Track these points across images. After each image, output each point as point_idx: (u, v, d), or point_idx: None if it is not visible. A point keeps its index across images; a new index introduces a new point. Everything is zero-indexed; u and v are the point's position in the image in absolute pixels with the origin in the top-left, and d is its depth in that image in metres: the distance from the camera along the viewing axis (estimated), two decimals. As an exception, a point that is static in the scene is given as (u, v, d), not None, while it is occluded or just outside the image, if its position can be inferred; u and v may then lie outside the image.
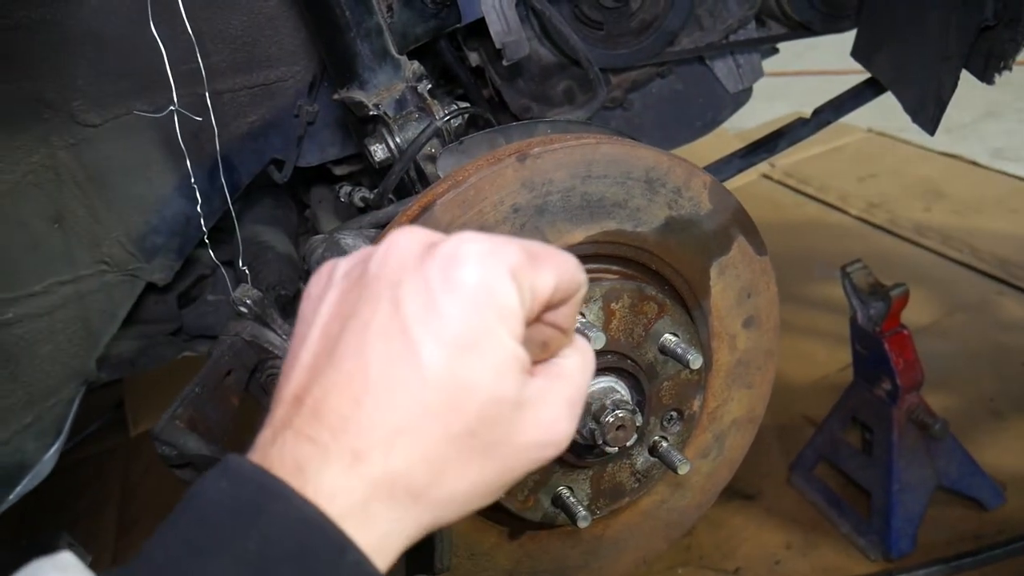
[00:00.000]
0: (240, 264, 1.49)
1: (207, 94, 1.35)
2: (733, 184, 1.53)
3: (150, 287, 1.53)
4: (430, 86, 1.26)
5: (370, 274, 0.60)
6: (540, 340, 0.65)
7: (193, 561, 0.52)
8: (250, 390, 1.34)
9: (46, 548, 1.53)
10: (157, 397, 3.21)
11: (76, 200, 1.41)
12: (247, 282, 1.54)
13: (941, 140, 4.08)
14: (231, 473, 0.56)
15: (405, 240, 0.61)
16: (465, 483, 0.59)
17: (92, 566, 1.53)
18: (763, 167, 4.12)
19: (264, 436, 0.59)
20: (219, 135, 1.41)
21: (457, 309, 0.57)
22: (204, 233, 1.46)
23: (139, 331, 1.69)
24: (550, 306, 0.63)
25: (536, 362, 0.65)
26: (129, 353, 1.69)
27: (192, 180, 1.39)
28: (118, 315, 1.51)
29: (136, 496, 2.77)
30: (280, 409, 0.59)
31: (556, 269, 0.62)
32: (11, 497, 1.43)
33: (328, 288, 0.62)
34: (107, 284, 1.48)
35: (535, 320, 0.63)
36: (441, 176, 1.10)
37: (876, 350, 2.12)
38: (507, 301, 0.58)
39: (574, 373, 0.66)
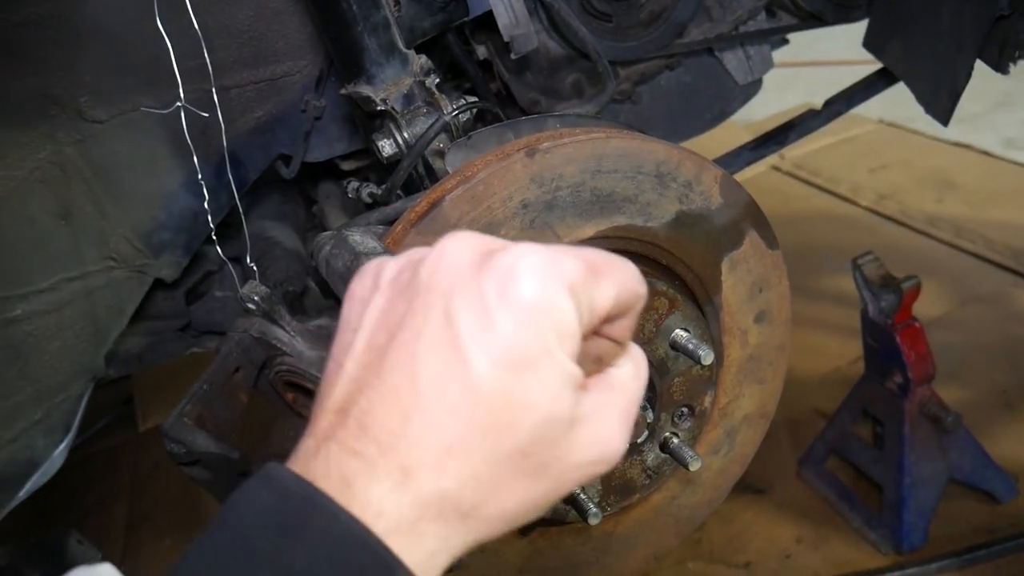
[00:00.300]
0: (248, 260, 1.48)
1: (214, 90, 1.34)
2: (742, 176, 1.52)
3: (158, 283, 1.53)
4: (438, 80, 1.25)
5: (421, 282, 0.57)
6: (596, 354, 0.63)
7: (232, 574, 0.51)
8: (258, 387, 1.34)
9: (55, 546, 1.53)
10: (166, 392, 3.22)
11: (83, 196, 1.40)
12: (255, 278, 1.54)
13: (953, 130, 4.02)
14: (274, 484, 0.54)
15: (459, 247, 0.58)
16: (513, 502, 0.57)
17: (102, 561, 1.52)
18: (773, 159, 4.10)
19: (306, 446, 0.57)
20: (226, 131, 1.40)
21: (512, 325, 0.54)
22: (211, 229, 1.45)
23: (147, 327, 1.68)
24: (608, 319, 0.62)
25: (589, 374, 0.62)
26: (137, 349, 1.69)
27: (199, 176, 1.39)
28: (126, 311, 1.51)
29: (146, 491, 2.78)
30: (324, 420, 0.57)
31: (616, 282, 0.60)
32: (21, 494, 1.43)
33: (374, 293, 0.60)
34: (115, 280, 1.47)
35: (592, 333, 0.62)
36: (450, 171, 1.09)
37: (887, 343, 2.10)
38: (565, 318, 0.56)
39: (628, 383, 0.64)
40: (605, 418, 0.60)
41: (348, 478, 0.54)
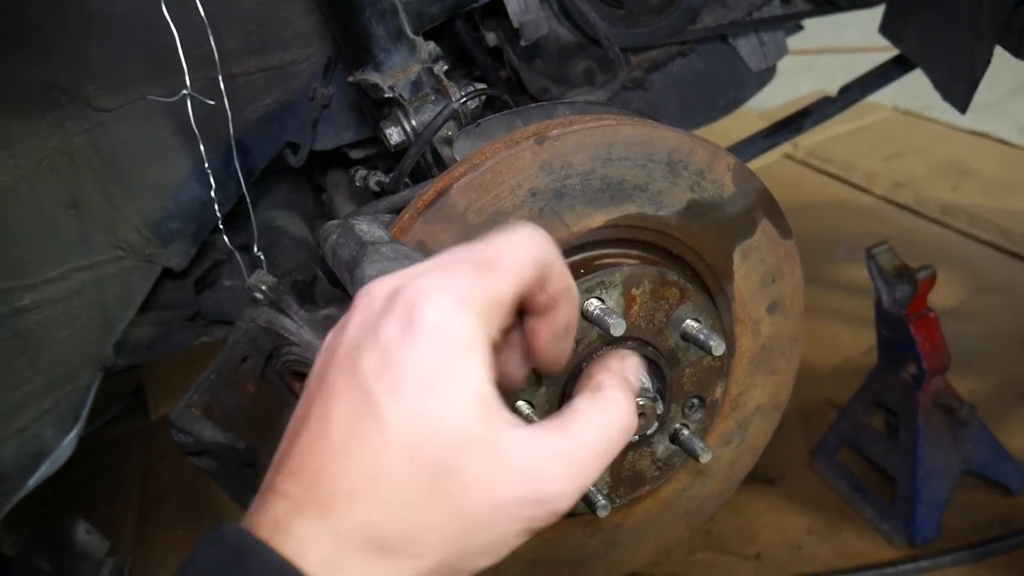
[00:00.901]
0: (255, 249, 1.48)
1: (220, 77, 1.33)
2: (754, 165, 1.50)
3: (167, 272, 1.52)
4: (446, 67, 1.24)
5: (337, 343, 0.62)
6: (535, 329, 0.65)
7: None
8: (266, 377, 1.33)
9: (64, 535, 1.53)
10: (177, 381, 3.23)
11: (92, 186, 1.40)
12: (262, 268, 1.53)
13: (968, 118, 3.98)
14: (219, 538, 0.58)
15: (365, 302, 0.63)
16: (435, 535, 0.57)
17: (111, 551, 1.53)
18: (786, 147, 4.06)
19: (255, 501, 0.61)
20: (233, 119, 1.39)
21: (411, 359, 0.57)
22: (219, 218, 1.44)
23: (156, 317, 1.68)
24: (531, 293, 0.63)
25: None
26: (146, 339, 1.69)
27: (206, 164, 1.38)
28: (135, 300, 1.50)
29: (157, 480, 2.79)
30: (268, 475, 0.62)
31: (509, 268, 0.61)
32: (30, 483, 1.43)
33: (316, 360, 0.65)
34: (124, 270, 1.47)
35: (523, 314, 0.64)
36: (458, 159, 1.08)
37: (902, 333, 2.08)
38: (464, 342, 0.58)
39: (583, 431, 0.62)
40: (534, 454, 0.59)
41: (279, 520, 0.58)
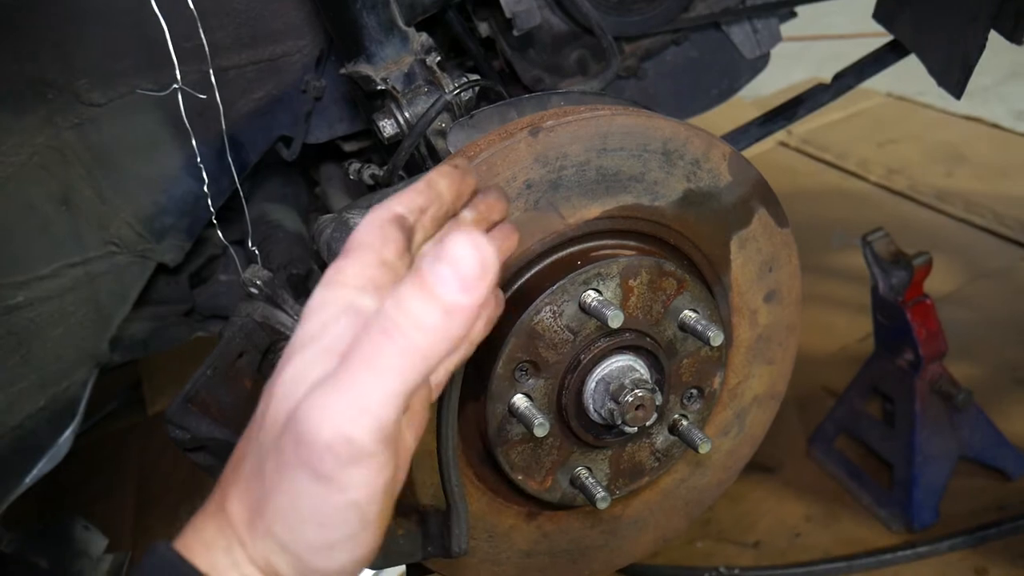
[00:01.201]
0: (250, 244, 1.47)
1: (211, 71, 1.32)
2: (749, 153, 1.49)
3: (161, 268, 1.51)
4: (439, 59, 1.22)
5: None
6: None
7: None
8: (263, 372, 1.33)
9: (62, 532, 1.52)
10: (174, 376, 3.22)
11: (83, 181, 1.39)
12: (257, 262, 1.52)
13: (962, 103, 3.97)
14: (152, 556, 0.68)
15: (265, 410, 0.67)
16: (285, 495, 0.61)
17: (109, 547, 1.52)
18: (780, 134, 4.06)
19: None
20: (226, 113, 1.38)
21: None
22: (212, 213, 1.43)
23: (151, 312, 1.67)
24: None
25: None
26: (142, 334, 1.68)
27: (198, 159, 1.37)
28: (129, 296, 1.49)
29: (154, 475, 2.78)
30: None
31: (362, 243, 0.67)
32: (27, 480, 1.42)
33: None
34: (117, 266, 1.46)
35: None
36: (452, 151, 1.07)
37: (898, 320, 2.08)
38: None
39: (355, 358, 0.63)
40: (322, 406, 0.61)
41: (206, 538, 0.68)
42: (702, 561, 2.16)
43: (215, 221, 1.43)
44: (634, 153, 1.05)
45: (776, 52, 1.92)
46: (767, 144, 3.98)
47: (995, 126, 3.92)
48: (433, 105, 1.16)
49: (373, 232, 0.67)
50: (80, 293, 1.44)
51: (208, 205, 1.44)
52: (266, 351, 1.31)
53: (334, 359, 0.60)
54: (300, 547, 0.62)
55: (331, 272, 0.66)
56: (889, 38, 1.76)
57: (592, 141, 1.02)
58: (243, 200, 1.46)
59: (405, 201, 0.70)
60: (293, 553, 0.62)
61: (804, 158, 3.96)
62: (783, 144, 4.07)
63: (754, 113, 1.94)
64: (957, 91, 1.47)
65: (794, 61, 4.45)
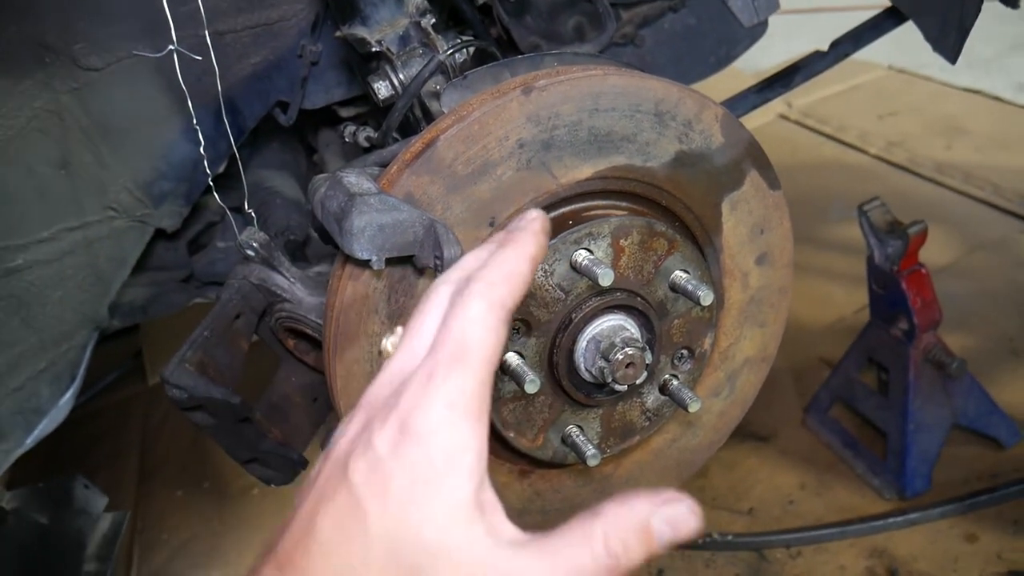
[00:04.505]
0: (246, 207, 1.48)
1: (207, 34, 1.32)
2: (749, 124, 1.49)
3: (159, 233, 1.52)
4: (434, 20, 1.23)
5: (334, 449, 0.65)
6: None
7: None
8: (259, 333, 1.34)
9: (62, 490, 1.55)
10: (175, 346, 3.23)
11: (81, 145, 1.39)
12: (254, 226, 1.53)
13: (963, 76, 3.99)
14: None
15: (363, 411, 0.66)
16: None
17: (108, 507, 1.54)
18: (780, 107, 4.05)
19: None
20: (223, 77, 1.38)
21: (399, 464, 0.60)
22: (209, 178, 1.44)
23: (150, 278, 1.68)
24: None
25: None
26: (140, 300, 1.69)
27: (195, 123, 1.37)
28: (128, 261, 1.50)
29: (156, 443, 2.81)
30: (256, 563, 0.64)
31: (480, 347, 0.63)
32: (28, 441, 1.44)
33: (317, 467, 0.67)
34: (116, 230, 1.47)
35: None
36: (445, 112, 1.08)
37: (893, 289, 2.09)
38: (448, 442, 0.60)
39: (563, 559, 0.61)
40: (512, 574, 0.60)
41: None
42: (696, 527, 2.18)
43: (212, 185, 1.44)
44: (626, 113, 1.06)
45: (776, 24, 1.92)
46: (767, 116, 3.98)
47: (996, 98, 3.91)
48: (427, 66, 1.16)
49: (492, 331, 0.64)
50: (79, 257, 1.45)
51: (206, 170, 1.44)
52: (263, 313, 1.32)
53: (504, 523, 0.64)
54: None
55: (454, 388, 0.62)
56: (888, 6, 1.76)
57: (584, 101, 1.03)
58: (240, 165, 1.46)
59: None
60: None
61: (804, 130, 3.96)
62: (783, 117, 4.06)
63: (753, 84, 1.93)
64: (952, 56, 1.47)
65: (794, 34, 4.42)
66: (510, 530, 0.62)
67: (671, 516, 0.64)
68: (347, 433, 0.65)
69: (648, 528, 0.63)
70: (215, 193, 1.44)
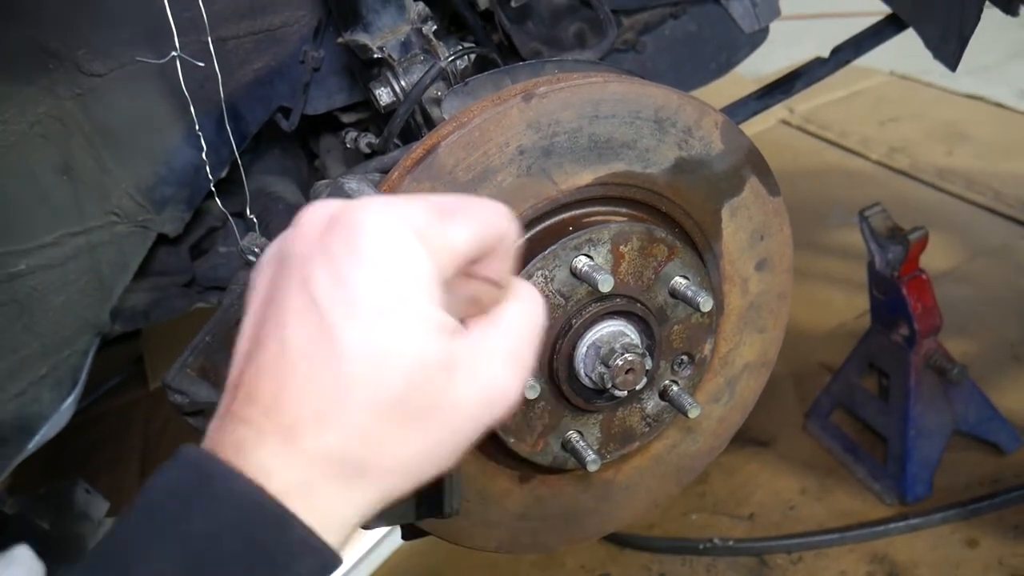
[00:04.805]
0: (248, 212, 1.48)
1: (210, 41, 1.33)
2: (750, 130, 1.50)
3: (162, 239, 1.53)
4: (435, 27, 1.23)
5: (284, 255, 0.60)
6: (469, 296, 0.63)
7: (139, 548, 0.54)
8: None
9: (63, 495, 1.55)
10: (176, 351, 3.24)
11: (84, 151, 1.40)
12: (256, 231, 1.54)
13: (965, 82, 3.99)
14: (180, 461, 0.57)
15: (310, 215, 0.61)
16: (407, 451, 0.58)
17: (110, 512, 1.55)
18: (782, 113, 4.05)
19: (212, 426, 0.59)
20: (225, 83, 1.39)
21: (364, 278, 0.56)
22: (211, 183, 1.45)
23: (152, 283, 1.69)
24: (474, 260, 0.62)
25: (468, 317, 0.64)
26: (143, 305, 1.70)
27: (197, 129, 1.38)
28: (130, 266, 1.51)
29: (157, 449, 2.82)
30: (225, 396, 0.60)
31: (471, 221, 0.61)
32: (30, 446, 1.45)
33: (260, 271, 0.63)
34: (118, 235, 1.47)
35: (462, 276, 0.62)
36: (446, 118, 1.08)
37: (894, 295, 2.10)
38: (415, 262, 0.58)
39: (512, 324, 0.64)
40: (486, 359, 0.61)
41: (240, 444, 0.56)
42: (697, 533, 2.18)
43: (213, 191, 1.44)
44: (626, 120, 1.06)
45: (778, 31, 1.92)
46: (768, 122, 3.98)
47: (998, 105, 3.91)
48: (428, 72, 1.17)
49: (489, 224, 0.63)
50: (81, 262, 1.45)
51: (208, 175, 1.45)
52: (264, 318, 1.32)
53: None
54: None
55: (430, 217, 0.60)
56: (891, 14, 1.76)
57: (584, 108, 1.04)
58: (242, 171, 1.47)
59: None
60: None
61: (805, 136, 3.96)
62: (784, 122, 4.07)
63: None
64: (953, 63, 1.47)
65: (796, 40, 4.43)
66: (458, 325, 0.61)
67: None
68: (293, 240, 0.60)
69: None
70: (217, 198, 1.45)
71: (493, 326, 0.63)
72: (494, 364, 0.61)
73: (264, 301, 0.60)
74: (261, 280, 0.62)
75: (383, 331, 0.56)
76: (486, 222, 0.62)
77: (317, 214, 0.60)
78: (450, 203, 0.62)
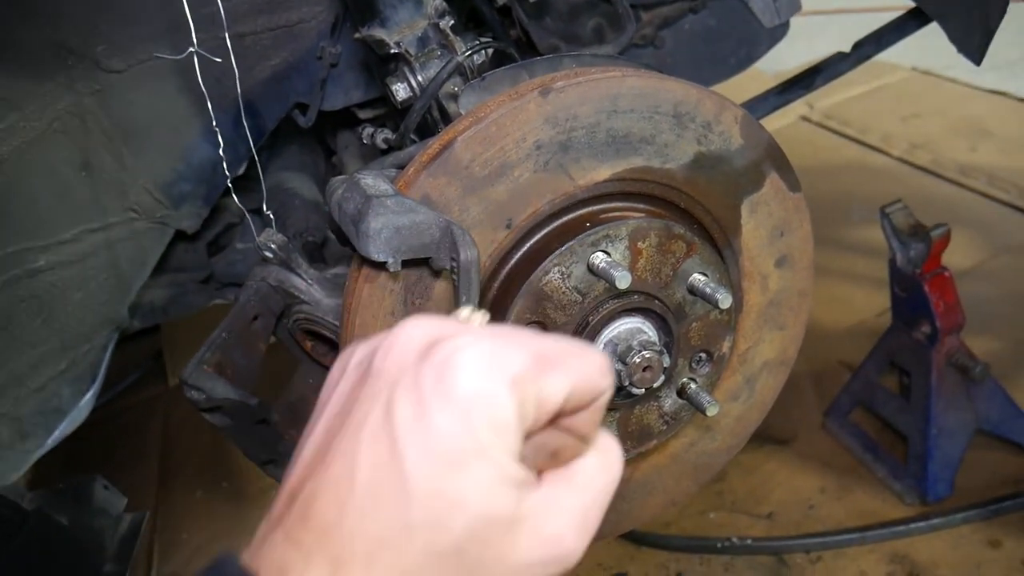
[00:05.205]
0: (265, 208, 1.48)
1: (227, 36, 1.33)
2: (770, 126, 1.48)
3: (179, 235, 1.53)
4: (452, 22, 1.23)
5: (373, 368, 0.58)
6: (552, 448, 0.61)
7: None
8: (277, 335, 1.35)
9: (82, 491, 1.56)
10: (196, 347, 3.26)
11: (103, 147, 1.40)
12: (273, 228, 1.54)
13: (988, 77, 3.94)
14: (220, 572, 0.55)
15: (410, 333, 0.59)
16: None
17: (128, 508, 1.54)
18: (802, 109, 4.02)
19: (261, 531, 0.58)
20: (242, 79, 1.39)
21: (447, 421, 0.54)
22: (228, 179, 1.45)
23: (170, 279, 1.70)
24: (563, 413, 0.59)
25: (543, 469, 0.61)
26: (160, 301, 1.71)
27: (215, 125, 1.38)
28: (148, 262, 1.51)
29: (176, 444, 2.83)
30: (278, 504, 0.58)
31: (571, 374, 0.58)
32: (49, 442, 1.46)
33: (341, 376, 0.61)
34: (136, 232, 1.48)
35: (546, 426, 0.59)
36: (463, 113, 1.08)
37: (915, 292, 2.07)
38: (503, 415, 0.55)
39: (589, 480, 0.61)
40: (556, 514, 0.58)
41: (284, 568, 0.54)
42: (715, 532, 2.17)
43: (230, 187, 1.44)
44: (645, 115, 1.05)
45: (800, 26, 1.90)
46: (789, 118, 3.95)
47: (1021, 100, 3.86)
48: (445, 67, 1.16)
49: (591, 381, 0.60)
50: (100, 258, 1.46)
51: (225, 171, 1.45)
52: (281, 315, 1.33)
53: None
54: None
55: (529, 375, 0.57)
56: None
57: (602, 102, 1.03)
58: (259, 167, 1.47)
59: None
60: None
61: (826, 132, 3.93)
62: (805, 118, 4.03)
63: (775, 85, 1.92)
64: (977, 58, 1.45)
65: (817, 35, 4.39)
66: (533, 477, 0.59)
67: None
68: (388, 354, 0.58)
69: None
70: (234, 195, 1.45)
71: (566, 482, 0.60)
72: (561, 522, 0.58)
73: (340, 411, 0.58)
74: (343, 384, 0.60)
75: (454, 480, 0.54)
76: (585, 378, 0.58)
77: (416, 334, 0.58)
78: (552, 351, 0.58)
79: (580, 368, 0.58)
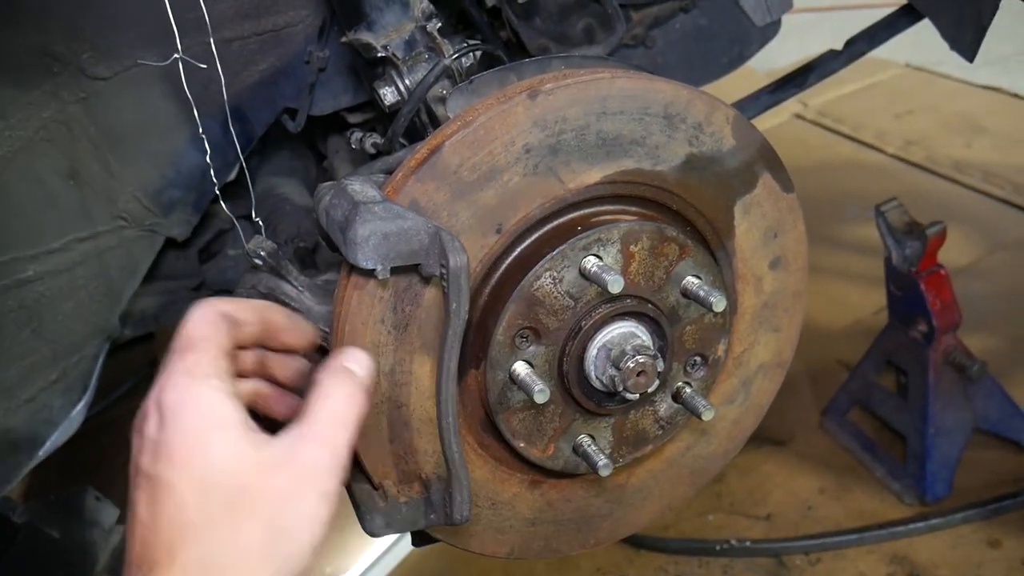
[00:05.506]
0: (253, 215, 1.47)
1: (213, 42, 1.32)
2: (763, 124, 1.47)
3: (170, 243, 1.52)
4: (440, 25, 1.22)
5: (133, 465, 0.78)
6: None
7: None
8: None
9: (74, 502, 1.54)
10: (190, 354, 3.23)
11: (90, 155, 1.39)
12: (262, 234, 1.52)
13: (982, 73, 3.94)
14: None
15: (139, 419, 0.79)
16: (253, 552, 0.71)
17: (120, 520, 1.54)
18: (796, 107, 4.01)
19: None
20: (229, 84, 1.37)
21: (172, 434, 0.75)
22: (217, 186, 1.44)
23: (161, 287, 1.68)
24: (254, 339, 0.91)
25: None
26: (152, 309, 1.69)
27: (201, 131, 1.37)
28: (138, 271, 1.50)
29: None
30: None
31: (199, 338, 0.83)
32: (40, 453, 1.44)
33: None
34: (126, 240, 1.47)
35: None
36: (451, 117, 1.06)
37: (911, 291, 2.07)
38: (197, 397, 0.78)
39: (324, 414, 0.80)
40: (304, 450, 0.78)
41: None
42: (714, 534, 2.16)
43: (218, 194, 1.43)
44: (635, 117, 1.04)
45: (791, 23, 1.89)
46: (782, 116, 3.94)
47: (1015, 96, 3.86)
48: (432, 70, 1.15)
49: (208, 327, 0.83)
50: (90, 267, 1.45)
51: (213, 178, 1.44)
52: (271, 322, 1.31)
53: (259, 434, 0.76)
54: None
55: (185, 365, 0.79)
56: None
57: (592, 104, 1.01)
58: (246, 173, 1.46)
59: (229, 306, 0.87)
60: None
61: (820, 130, 3.92)
62: (798, 116, 4.03)
63: (766, 84, 1.91)
64: (970, 53, 1.44)
65: (809, 32, 4.38)
66: (268, 435, 0.76)
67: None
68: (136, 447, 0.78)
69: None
70: (222, 202, 1.43)
71: (305, 424, 0.78)
72: (308, 455, 0.76)
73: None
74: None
75: (199, 459, 0.72)
76: (202, 330, 0.82)
77: (144, 413, 0.78)
78: (179, 340, 0.82)
79: (193, 330, 0.84)
